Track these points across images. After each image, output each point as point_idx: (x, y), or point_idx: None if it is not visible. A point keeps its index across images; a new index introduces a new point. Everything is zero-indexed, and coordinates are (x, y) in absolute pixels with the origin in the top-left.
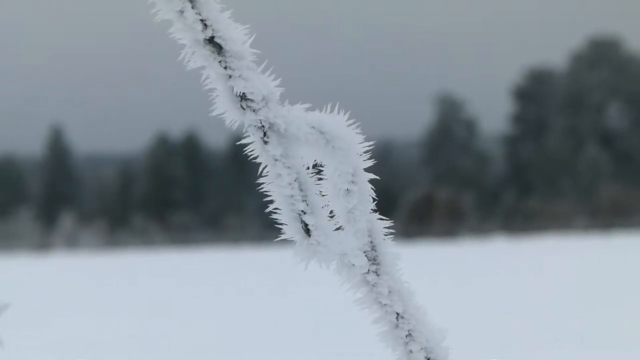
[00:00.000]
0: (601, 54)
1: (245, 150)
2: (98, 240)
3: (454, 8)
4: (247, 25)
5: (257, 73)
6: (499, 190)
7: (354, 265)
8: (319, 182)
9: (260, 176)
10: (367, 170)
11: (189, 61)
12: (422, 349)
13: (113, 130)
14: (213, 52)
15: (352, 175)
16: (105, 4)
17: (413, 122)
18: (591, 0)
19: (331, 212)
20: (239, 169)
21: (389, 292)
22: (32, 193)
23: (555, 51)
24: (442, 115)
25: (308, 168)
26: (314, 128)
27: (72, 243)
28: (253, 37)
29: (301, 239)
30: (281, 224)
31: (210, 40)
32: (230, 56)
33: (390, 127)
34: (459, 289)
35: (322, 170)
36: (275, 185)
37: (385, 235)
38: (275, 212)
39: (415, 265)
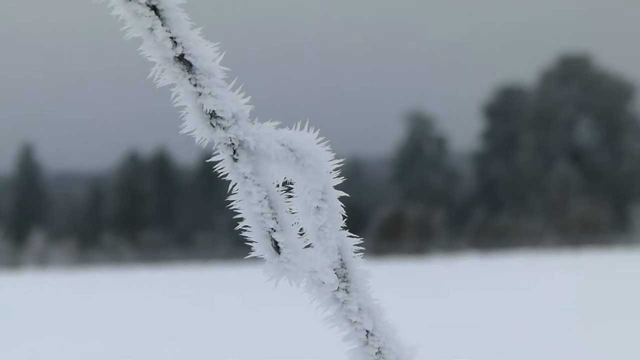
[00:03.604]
0: (571, 71)
1: (215, 168)
2: (68, 258)
3: (425, 25)
4: (217, 43)
5: (227, 90)
6: (469, 208)
7: (323, 282)
8: (289, 199)
9: (230, 194)
10: (337, 187)
11: (159, 79)
12: None
13: (83, 148)
14: (183, 69)
15: (322, 192)
16: (74, 22)
17: (383, 140)
18: (561, 17)
19: (301, 229)
20: (209, 186)
21: (359, 309)
22: (1, 211)
23: (525, 68)
24: (412, 133)
25: (278, 185)
26: (283, 145)
27: (42, 261)
28: (223, 55)
29: (271, 257)
30: (251, 242)
31: (180, 58)
32: (200, 74)
33: (360, 144)
34: (429, 306)
35: (292, 188)
36: (245, 202)
37: (355, 252)
38: (245, 230)
39: (385, 283)
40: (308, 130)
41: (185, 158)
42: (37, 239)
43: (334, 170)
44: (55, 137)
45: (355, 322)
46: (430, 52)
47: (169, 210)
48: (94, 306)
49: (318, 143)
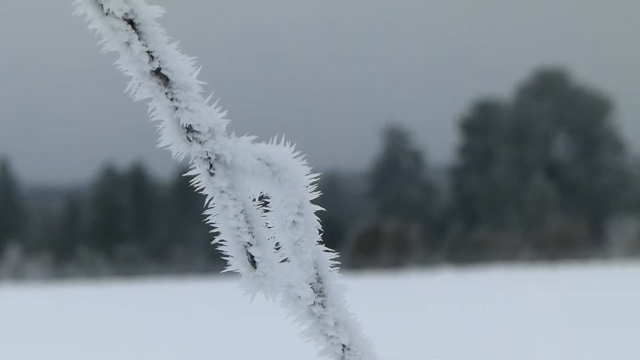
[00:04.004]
0: (547, 86)
1: (192, 182)
2: (44, 272)
3: (402, 40)
4: (194, 57)
5: (203, 105)
6: (446, 222)
7: (299, 297)
8: (265, 214)
9: (207, 208)
10: (313, 202)
11: (135, 93)
12: None
13: (59, 162)
14: (160, 83)
15: (299, 207)
16: (50, 36)
17: (360, 154)
18: (538, 32)
19: (277, 244)
20: (185, 200)
21: (335, 323)
22: None
23: (501, 83)
24: (388, 147)
25: (254, 200)
26: (260, 160)
27: (18, 275)
28: (199, 69)
29: (247, 271)
30: (227, 256)
31: (157, 72)
32: (176, 88)
33: (336, 158)
34: (406, 320)
35: (268, 202)
36: (222, 217)
37: (331, 267)
38: (222, 244)
39: (362, 297)
40: (284, 145)
41: (161, 172)
42: (13, 253)
43: (311, 184)
44: (31, 151)
45: (331, 336)
46: (407, 66)
47: (145, 224)
48: (71, 320)
49: (294, 157)
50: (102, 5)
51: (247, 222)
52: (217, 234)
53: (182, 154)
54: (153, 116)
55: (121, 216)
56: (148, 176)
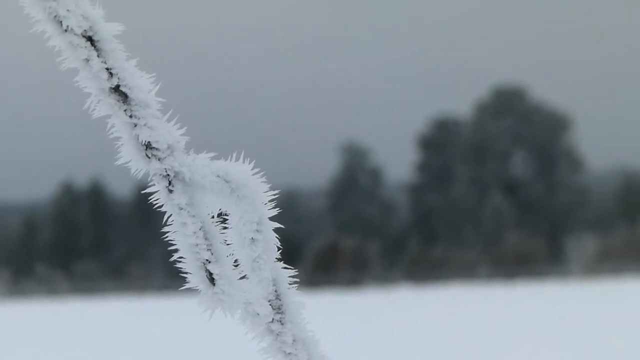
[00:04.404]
0: (506, 103)
1: (151, 199)
2: (2, 289)
3: (360, 56)
4: (153, 74)
5: (162, 122)
6: (404, 239)
7: (258, 314)
8: (224, 230)
9: (165, 225)
10: (272, 219)
11: (94, 110)
12: None
13: (17, 179)
14: (118, 100)
15: (257, 224)
16: (8, 52)
17: (318, 171)
18: (496, 49)
19: (236, 260)
20: (143, 217)
21: (294, 340)
22: None
23: (460, 100)
24: (347, 164)
25: (213, 217)
26: (219, 177)
27: None
28: (159, 86)
29: (206, 288)
30: (186, 273)
31: (116, 89)
32: (135, 105)
33: (295, 175)
34: (364, 337)
35: (227, 219)
36: (180, 234)
37: (290, 284)
38: (180, 261)
39: (320, 314)
40: (243, 162)
41: (120, 189)
42: None
43: (269, 201)
44: None
45: (289, 353)
46: (365, 83)
47: (103, 241)
48: (29, 337)
49: (253, 174)
50: (61, 22)
51: (206, 239)
52: (176, 250)
53: (141, 170)
54: (112, 133)
55: (79, 233)
56: (107, 193)
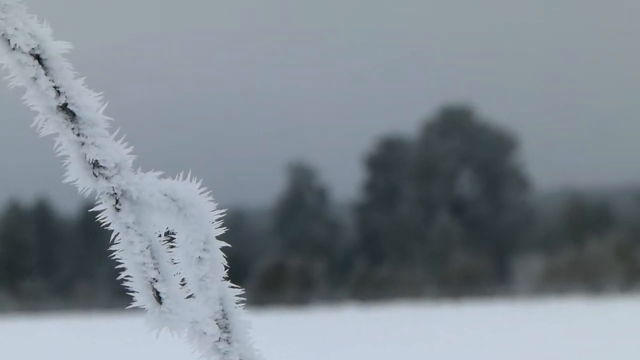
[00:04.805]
0: (453, 123)
1: (98, 218)
2: None
3: (306, 75)
4: (100, 93)
5: (110, 140)
6: (350, 258)
7: (205, 333)
8: (171, 249)
9: (112, 244)
10: (219, 238)
11: (42, 128)
12: None
13: None
14: (66, 119)
15: (204, 243)
16: None
17: (264, 190)
18: (443, 69)
19: (183, 279)
20: (90, 236)
21: None
22: None
23: (407, 120)
24: (293, 183)
25: (160, 235)
26: (166, 195)
27: None
28: (106, 104)
29: (153, 307)
30: (133, 292)
31: (64, 108)
32: (83, 123)
33: (242, 194)
34: (311, 357)
35: (174, 238)
36: (127, 252)
37: (237, 303)
38: (127, 280)
39: (267, 334)
40: (190, 181)
41: (67, 208)
42: None
43: (216, 220)
44: None
45: None
46: (312, 102)
47: (49, 260)
48: None
49: (200, 193)
50: (8, 40)
51: (153, 257)
52: (123, 269)
53: (88, 189)
54: (59, 151)
55: (26, 251)
56: (53, 211)
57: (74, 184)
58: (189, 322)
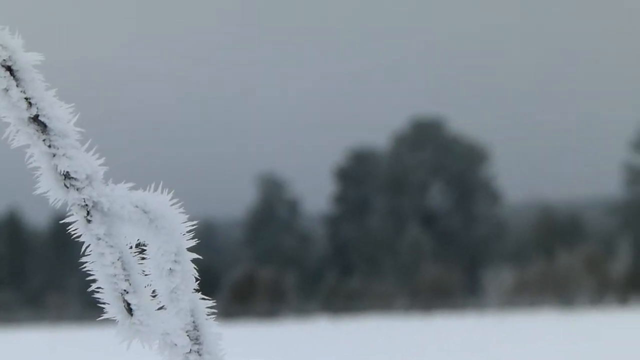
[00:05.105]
0: (423, 135)
1: (69, 229)
2: None
3: (277, 87)
4: (72, 104)
5: (81, 152)
6: (321, 270)
7: (176, 344)
8: (142, 261)
9: (84, 255)
10: (190, 249)
11: (13, 139)
12: None
13: None
14: (37, 130)
15: (175, 254)
16: None
17: (236, 202)
18: (413, 81)
19: (154, 291)
20: (61, 247)
21: None
22: None
23: (377, 132)
24: (264, 195)
25: (131, 247)
26: (137, 207)
27: None
28: (77, 116)
29: (123, 319)
30: (104, 303)
31: (35, 119)
32: (54, 135)
33: (213, 206)
34: None
35: (145, 250)
36: (98, 264)
37: (208, 315)
38: (98, 291)
39: (238, 345)
40: (162, 192)
41: (38, 219)
42: None
43: (187, 232)
44: None
45: None
46: (283, 113)
47: (20, 271)
48: None
49: (172, 205)
50: None
51: (124, 269)
52: (94, 281)
53: (59, 200)
54: (30, 163)
55: None
56: (24, 223)
57: (45, 195)
58: (160, 334)
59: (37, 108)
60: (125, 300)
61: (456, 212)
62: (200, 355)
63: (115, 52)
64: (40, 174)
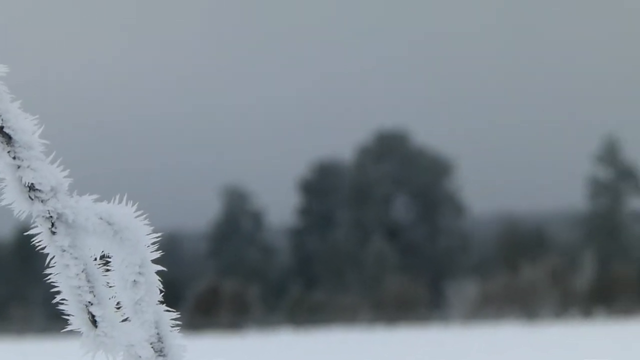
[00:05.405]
0: (388, 148)
1: (33, 241)
2: None
3: (242, 99)
4: (37, 116)
5: (46, 163)
6: (285, 283)
7: (140, 356)
8: (107, 273)
9: (48, 267)
10: (154, 261)
11: None
12: None
13: None
14: (2, 142)
15: (140, 266)
16: None
17: (200, 214)
18: (378, 94)
19: (118, 303)
20: (25, 259)
21: None
22: None
23: (342, 144)
24: (229, 207)
25: (96, 259)
26: (102, 219)
27: None
28: (42, 128)
29: (88, 330)
30: (68, 315)
31: (0, 131)
32: (19, 146)
33: (177, 218)
34: None
35: (109, 262)
36: (63, 276)
37: (172, 327)
38: (62, 303)
39: (202, 358)
40: (126, 204)
41: (2, 230)
42: None
43: (152, 244)
44: None
45: None
46: (247, 126)
47: None
48: None
49: (136, 217)
50: None
51: (89, 281)
52: (58, 292)
53: (24, 212)
54: None
55: None
56: None
57: (9, 207)
58: (125, 346)
59: (2, 120)
60: (89, 312)
61: (420, 225)
62: None
63: (80, 65)
64: (5, 186)
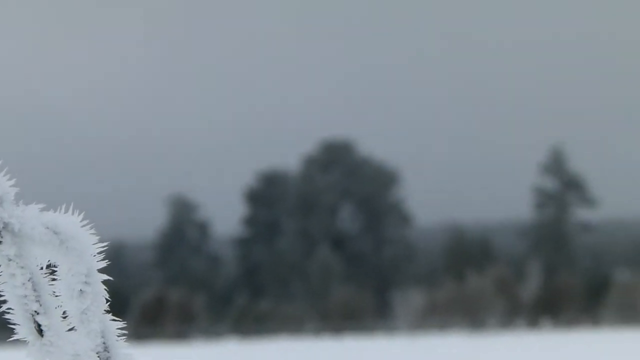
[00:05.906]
0: (333, 157)
1: None
2: None
3: (187, 110)
4: None
5: None
6: (231, 292)
7: None
8: (53, 282)
9: None
10: (100, 271)
11: None
12: None
13: None
14: None
15: (86, 275)
16: None
17: (146, 224)
18: (324, 104)
19: (64, 312)
20: None
21: None
22: None
23: (288, 154)
24: (174, 217)
25: (42, 268)
26: (48, 228)
27: None
28: None
29: (34, 339)
30: (14, 324)
31: None
32: None
33: (123, 228)
34: None
35: (55, 271)
36: (9, 285)
37: (118, 336)
38: (8, 312)
39: None
40: (72, 214)
41: None
42: None
43: (98, 253)
44: None
45: None
46: (193, 136)
47: None
48: None
49: (82, 226)
50: None
51: (35, 290)
52: (4, 302)
53: None
54: None
55: None
56: None
57: None
58: (71, 355)
59: None
60: (35, 321)
61: (366, 235)
62: None
63: (26, 74)
64: None
